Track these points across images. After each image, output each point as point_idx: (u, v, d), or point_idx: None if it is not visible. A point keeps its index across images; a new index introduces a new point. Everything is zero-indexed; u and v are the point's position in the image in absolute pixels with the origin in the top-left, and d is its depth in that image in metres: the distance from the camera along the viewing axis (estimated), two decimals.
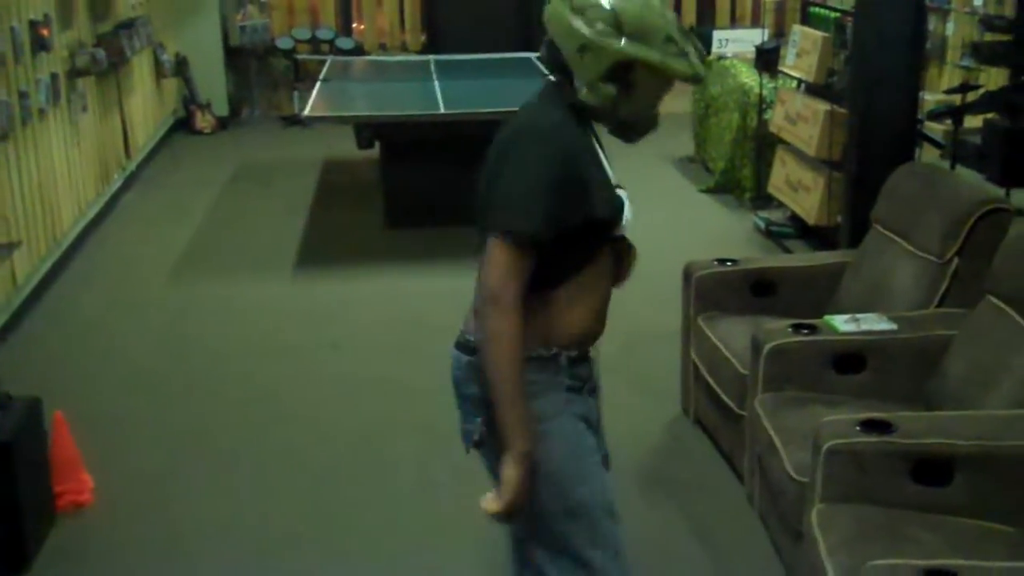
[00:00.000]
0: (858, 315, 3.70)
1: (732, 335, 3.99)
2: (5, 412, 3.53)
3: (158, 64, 9.32)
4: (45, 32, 6.16)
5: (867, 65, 4.90)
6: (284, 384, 4.93)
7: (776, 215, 6.86)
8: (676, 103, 10.16)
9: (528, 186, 2.23)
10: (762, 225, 6.84)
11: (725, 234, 6.90)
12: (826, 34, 6.14)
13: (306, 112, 6.68)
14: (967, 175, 7.44)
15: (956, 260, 3.71)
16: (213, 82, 10.38)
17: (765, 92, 7.10)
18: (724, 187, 7.74)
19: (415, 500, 3.96)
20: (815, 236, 6.39)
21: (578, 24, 2.28)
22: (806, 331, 3.59)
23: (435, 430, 4.22)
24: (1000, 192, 7.02)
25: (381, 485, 4.06)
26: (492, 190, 2.28)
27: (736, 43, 9.27)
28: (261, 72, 10.72)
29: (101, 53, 7.15)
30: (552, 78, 2.39)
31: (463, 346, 2.43)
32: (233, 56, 10.55)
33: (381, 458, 4.25)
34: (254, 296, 6.05)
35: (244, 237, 7.17)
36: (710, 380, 4.07)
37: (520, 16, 10.67)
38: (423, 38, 10.82)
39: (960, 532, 2.78)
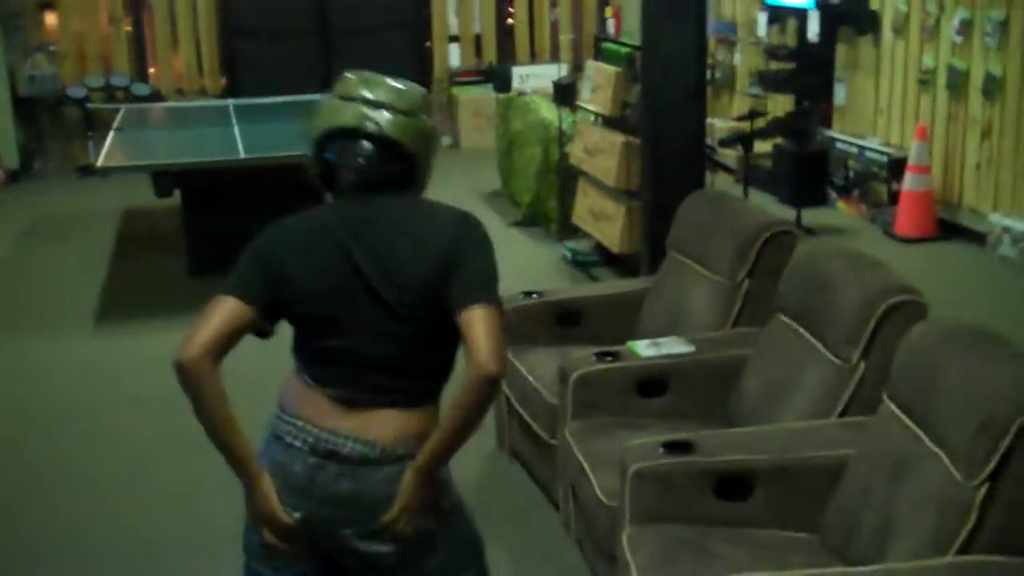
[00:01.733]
0: (659, 340, 3.81)
1: (541, 366, 4.05)
2: None
3: None
4: None
5: (655, 96, 5.08)
6: (85, 444, 4.74)
7: (583, 245, 7.01)
8: (480, 138, 10.37)
9: (494, 266, 2.37)
10: (569, 256, 6.97)
11: (535, 266, 7.00)
12: (618, 69, 6.33)
13: (100, 162, 6.48)
14: (760, 199, 7.79)
15: (747, 282, 3.86)
16: (2, 134, 9.96)
17: (564, 126, 7.26)
18: (532, 220, 7.86)
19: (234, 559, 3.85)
20: (620, 263, 6.55)
21: (424, 119, 2.38)
22: (609, 358, 3.67)
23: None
24: (789, 214, 7.37)
25: (196, 547, 3.93)
26: (464, 272, 2.29)
27: (535, 79, 9.46)
28: (53, 122, 10.33)
29: None
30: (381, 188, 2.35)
31: (395, 459, 2.30)
32: (22, 107, 10.15)
33: (194, 520, 4.12)
34: (51, 354, 5.80)
35: (40, 293, 6.87)
36: (522, 412, 4.11)
37: (321, 57, 10.65)
38: (223, 81, 10.66)
39: (762, 543, 2.88)
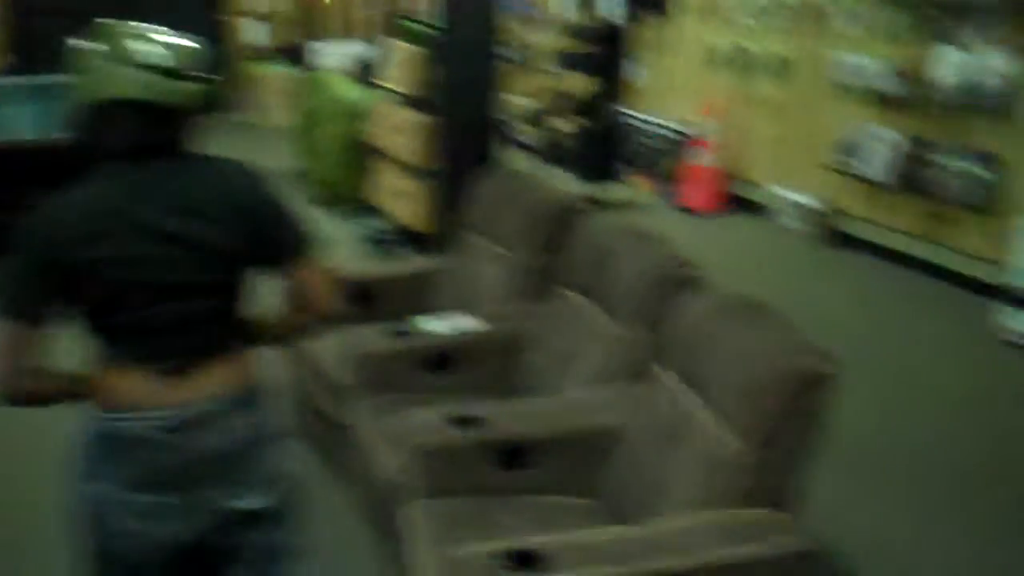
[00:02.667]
0: (447, 315, 3.83)
1: (330, 345, 4.01)
2: None
3: None
4: None
5: (450, 75, 5.10)
6: None
7: (383, 223, 6.99)
8: (281, 116, 10.20)
9: (294, 211, 2.35)
10: (369, 234, 6.94)
11: (334, 245, 6.93)
12: (418, 47, 6.32)
13: None
14: (559, 176, 7.93)
15: (537, 258, 3.92)
16: None
17: (365, 104, 7.21)
18: (333, 198, 7.79)
19: None
20: (420, 242, 6.55)
21: (202, 77, 2.26)
22: (397, 335, 3.67)
23: None
24: (586, 190, 7.52)
25: None
26: (283, 224, 2.30)
27: (336, 56, 9.37)
28: None
29: None
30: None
31: (243, 403, 2.31)
32: None
33: None
34: None
35: None
36: (312, 392, 4.08)
37: None
38: (10, 58, 10.18)
39: (543, 510, 2.94)
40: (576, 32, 8.60)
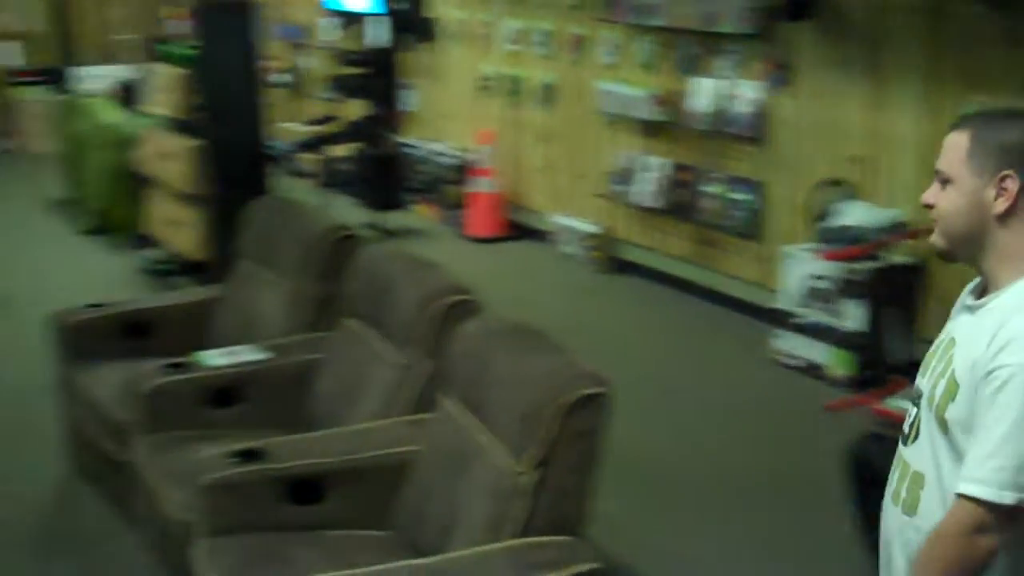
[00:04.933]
0: (231, 348, 3.78)
1: (107, 382, 3.90)
2: None
3: None
4: None
5: (214, 100, 5.06)
6: None
7: (158, 253, 6.80)
8: (45, 143, 9.77)
9: None
10: (145, 264, 6.74)
11: (108, 277, 6.72)
12: (183, 70, 6.19)
13: None
14: (341, 203, 7.91)
15: (316, 286, 3.92)
16: None
17: (130, 129, 7.00)
18: (103, 228, 7.53)
19: None
20: (198, 271, 6.41)
21: None
22: (179, 369, 3.61)
23: None
24: (369, 217, 7.54)
25: None
26: None
27: (98, 79, 9.05)
28: None
29: None
30: None
31: None
32: None
33: None
34: None
35: None
36: (92, 431, 3.95)
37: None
38: None
39: (338, 544, 2.95)
40: (346, 58, 8.61)
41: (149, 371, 3.63)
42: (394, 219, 7.86)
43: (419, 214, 8.33)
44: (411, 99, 8.71)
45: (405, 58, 8.57)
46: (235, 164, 4.99)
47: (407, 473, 2.99)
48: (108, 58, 10.77)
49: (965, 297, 1.98)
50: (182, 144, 6.10)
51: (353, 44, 8.92)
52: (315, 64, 9.83)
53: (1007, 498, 1.73)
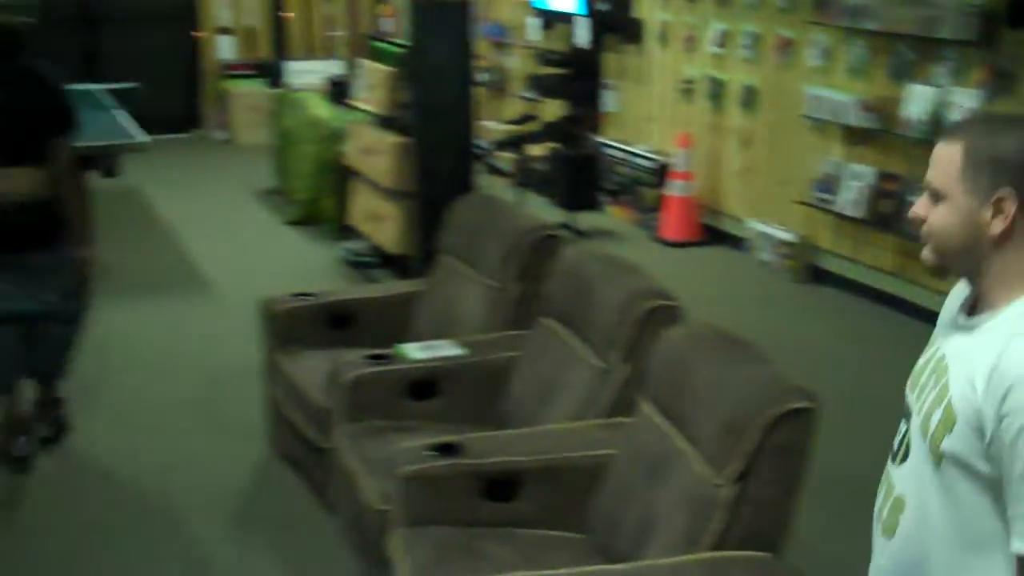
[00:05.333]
0: (430, 342, 3.84)
1: (312, 369, 4.02)
2: None
3: None
4: None
5: (423, 99, 5.14)
6: None
7: (359, 245, 6.99)
8: (255, 134, 10.19)
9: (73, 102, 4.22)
10: (346, 256, 6.94)
11: (311, 266, 6.94)
12: (391, 68, 6.34)
13: None
14: (535, 202, 7.96)
15: (516, 285, 3.94)
16: None
17: (339, 124, 7.22)
18: (307, 219, 7.79)
19: None
20: (398, 265, 6.56)
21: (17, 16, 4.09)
22: (381, 361, 3.68)
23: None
24: (562, 217, 7.56)
25: None
26: (64, 110, 4.13)
27: (310, 75, 9.35)
28: None
29: None
30: None
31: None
32: None
33: None
34: None
35: None
36: (294, 416, 4.08)
37: (88, 45, 10.24)
38: None
39: (530, 543, 2.95)
40: (547, 57, 8.66)
41: (352, 361, 3.72)
42: (587, 220, 7.86)
43: (612, 215, 8.31)
44: (611, 100, 8.69)
45: (607, 59, 8.55)
46: (441, 161, 5.06)
47: (603, 476, 2.97)
48: (319, 54, 11.15)
49: (954, 309, 1.82)
50: (388, 140, 6.25)
51: (555, 44, 8.96)
52: (516, 63, 9.91)
53: None
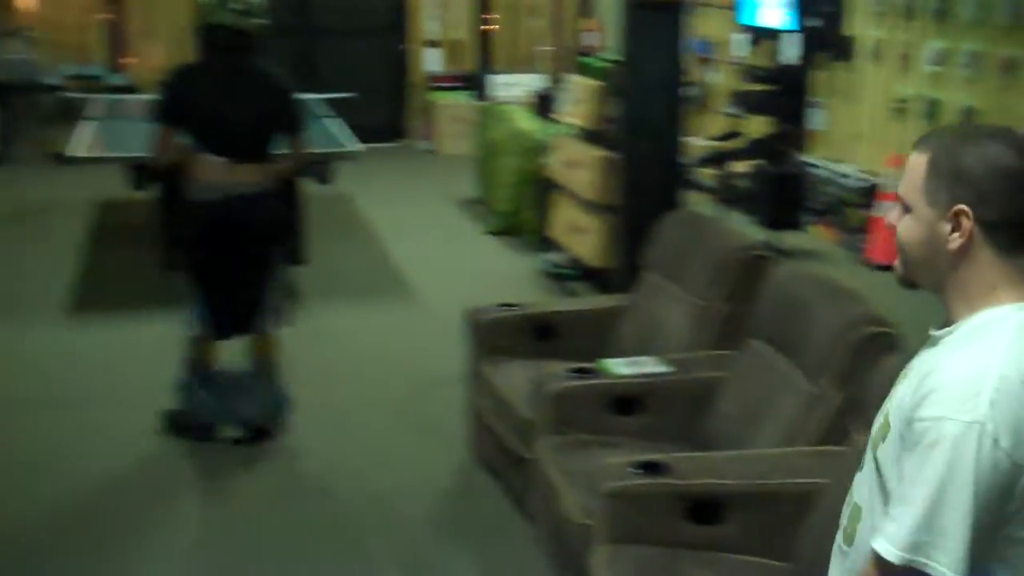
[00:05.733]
0: (634, 358, 3.83)
1: (515, 379, 4.06)
2: None
3: None
4: None
5: (633, 113, 5.13)
6: (47, 437, 4.72)
7: (559, 257, 7.03)
8: (458, 144, 10.40)
9: (300, 102, 4.63)
10: (546, 267, 7.00)
11: (510, 276, 7.03)
12: (598, 83, 6.36)
13: (76, 153, 6.44)
14: (736, 219, 7.85)
15: (723, 304, 3.89)
16: None
17: (543, 137, 7.29)
18: (508, 229, 7.89)
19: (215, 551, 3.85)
20: (597, 278, 6.58)
21: (257, 17, 4.42)
22: (585, 375, 3.69)
23: (218, 482, 4.12)
24: (764, 235, 7.43)
25: (156, 545, 3.93)
26: (295, 111, 4.52)
27: (514, 87, 9.49)
28: (28, 108, 10.26)
29: None
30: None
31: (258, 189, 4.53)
32: None
33: (164, 511, 4.12)
34: (23, 343, 5.77)
35: (11, 281, 6.83)
36: (496, 425, 4.13)
37: (301, 55, 10.63)
38: None
39: (734, 569, 2.91)
40: (753, 73, 8.53)
41: (556, 373, 3.74)
42: (790, 239, 7.70)
43: (816, 236, 8.11)
44: (818, 118, 8.49)
45: (815, 76, 8.36)
46: (648, 176, 5.05)
47: (813, 505, 2.89)
48: (524, 67, 11.30)
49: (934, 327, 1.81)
50: (593, 154, 6.28)
51: (761, 60, 8.82)
52: (720, 79, 9.81)
53: (903, 560, 1.62)
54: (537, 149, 7.33)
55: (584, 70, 7.05)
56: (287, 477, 4.47)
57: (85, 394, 5.17)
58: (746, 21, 8.88)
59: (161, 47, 10.62)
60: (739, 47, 9.26)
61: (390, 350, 5.79)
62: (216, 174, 4.34)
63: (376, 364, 5.59)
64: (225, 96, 4.37)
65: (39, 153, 10.19)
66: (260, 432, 4.64)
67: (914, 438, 1.63)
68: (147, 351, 5.57)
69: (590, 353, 4.12)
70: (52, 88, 10.07)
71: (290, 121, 4.48)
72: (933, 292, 1.79)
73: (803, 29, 8.05)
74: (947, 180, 1.68)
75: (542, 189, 7.30)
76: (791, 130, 8.08)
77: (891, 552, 1.62)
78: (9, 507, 4.16)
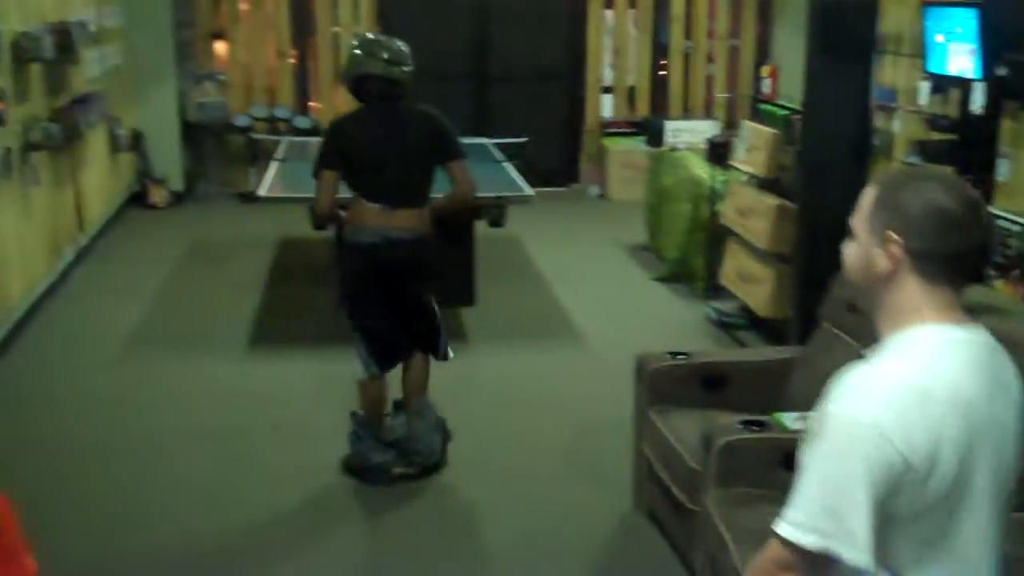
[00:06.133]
0: (807, 413, 3.73)
1: (684, 429, 4.02)
2: None
3: (113, 139, 9.31)
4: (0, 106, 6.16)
5: (814, 162, 5.03)
6: (229, 467, 4.89)
7: (728, 306, 6.95)
8: (628, 190, 10.40)
9: (456, 132, 4.67)
10: (714, 315, 6.91)
11: (677, 323, 6.97)
12: (775, 131, 6.28)
13: (263, 192, 6.70)
14: None
15: None
16: (169, 157, 10.41)
17: (716, 184, 7.23)
18: (676, 276, 7.83)
19: None
20: (766, 328, 6.47)
21: (408, 66, 4.63)
22: (756, 428, 3.62)
23: (380, 518, 4.18)
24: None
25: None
26: (450, 140, 4.60)
27: (687, 134, 9.44)
28: (217, 148, 10.75)
29: (56, 128, 7.13)
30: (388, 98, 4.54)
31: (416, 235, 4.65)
32: (190, 132, 10.59)
33: (317, 545, 4.21)
34: (202, 376, 6.01)
35: (196, 315, 7.13)
36: (662, 474, 4.08)
37: (476, 100, 10.83)
38: None
39: None
40: (937, 123, 8.26)
41: (726, 425, 3.68)
42: (971, 294, 7.40)
43: (999, 290, 7.78)
44: (1004, 169, 8.17)
45: (1002, 125, 8.06)
46: (826, 227, 4.92)
47: None
48: (698, 113, 11.25)
49: None
50: (768, 202, 6.19)
51: (945, 109, 8.55)
52: (900, 127, 9.55)
53: (809, 543, 1.78)
54: (709, 196, 7.27)
55: (760, 117, 6.97)
56: (447, 514, 4.51)
57: (259, 427, 5.33)
58: (933, 69, 8.63)
59: (342, 92, 10.96)
60: (922, 95, 9.00)
61: (555, 393, 5.80)
62: (374, 218, 4.48)
63: (540, 406, 5.61)
64: (381, 143, 4.50)
65: (226, 191, 10.65)
66: (425, 469, 4.71)
67: (815, 430, 1.86)
68: (320, 387, 5.73)
69: (759, 405, 4.04)
70: (241, 129, 10.52)
71: (448, 150, 4.56)
72: (868, 314, 1.99)
73: (990, 78, 7.77)
74: (887, 212, 1.90)
75: (713, 236, 7.23)
76: (975, 181, 7.78)
77: (796, 535, 1.80)
78: (184, 531, 4.33)
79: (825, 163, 4.96)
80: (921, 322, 1.88)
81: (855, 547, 1.76)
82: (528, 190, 6.75)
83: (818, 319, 4.29)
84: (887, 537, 1.81)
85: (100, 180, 8.96)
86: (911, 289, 1.89)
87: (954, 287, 1.90)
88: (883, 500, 1.77)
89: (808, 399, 3.98)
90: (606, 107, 11.45)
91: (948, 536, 1.85)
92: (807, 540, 1.78)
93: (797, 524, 1.79)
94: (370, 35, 4.88)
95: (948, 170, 1.94)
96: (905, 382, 1.80)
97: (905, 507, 1.80)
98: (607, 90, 11.44)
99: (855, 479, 1.75)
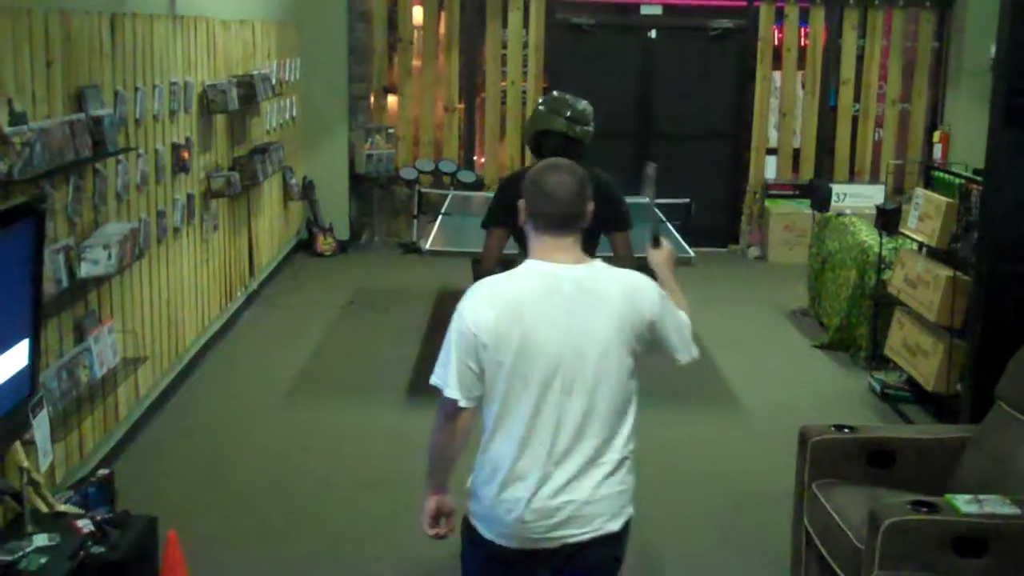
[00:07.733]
0: (981, 496, 3.60)
1: (848, 505, 3.91)
2: (123, 531, 3.61)
3: (286, 187, 9.65)
4: (186, 155, 6.45)
5: (995, 234, 4.85)
6: (384, 517, 4.96)
7: (892, 377, 6.75)
8: (789, 253, 10.24)
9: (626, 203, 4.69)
10: (877, 387, 6.72)
11: (839, 393, 6.80)
12: (951, 200, 6.10)
13: (427, 246, 6.84)
14: None
15: None
16: (337, 206, 10.72)
17: (884, 252, 7.06)
18: (838, 344, 7.66)
19: None
20: (932, 402, 6.26)
21: (591, 125, 4.81)
22: (926, 509, 3.50)
23: None
24: None
25: None
26: (616, 209, 4.53)
27: (853, 198, 9.25)
28: (383, 199, 11.03)
29: (236, 176, 7.43)
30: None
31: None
32: (358, 182, 10.89)
33: None
34: (364, 423, 6.13)
35: (358, 362, 7.29)
36: (823, 550, 3.98)
37: (639, 159, 10.86)
38: None
39: None
40: None
41: (894, 505, 3.57)
42: None
43: None
44: None
45: None
46: (1005, 302, 4.75)
47: None
48: (866, 178, 11.02)
49: None
50: (939, 272, 6.01)
51: None
52: None
53: (432, 381, 2.90)
54: (877, 263, 7.10)
55: (933, 184, 6.80)
56: None
57: (412, 476, 5.39)
58: None
59: (507, 147, 11.15)
60: None
61: (712, 462, 5.72)
62: None
63: (696, 475, 5.53)
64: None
65: (390, 241, 10.90)
66: None
67: None
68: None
69: (929, 486, 3.92)
70: (407, 182, 10.78)
71: (616, 220, 4.51)
72: None
73: None
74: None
75: (879, 305, 7.05)
76: None
77: (432, 378, 2.89)
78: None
79: (1006, 236, 4.78)
80: (534, 258, 2.91)
81: (448, 385, 2.83)
82: (688, 251, 6.71)
83: (993, 398, 4.13)
84: (486, 393, 2.87)
85: (272, 227, 9.28)
86: (533, 236, 2.98)
87: None
88: (467, 360, 2.80)
89: (981, 481, 3.85)
90: (770, 168, 11.32)
91: (508, 413, 2.85)
92: (432, 379, 2.87)
93: (434, 372, 2.86)
94: (557, 93, 4.94)
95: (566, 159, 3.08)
96: (486, 287, 2.87)
97: (486, 366, 2.81)
98: (772, 151, 11.32)
99: (449, 344, 2.83)
